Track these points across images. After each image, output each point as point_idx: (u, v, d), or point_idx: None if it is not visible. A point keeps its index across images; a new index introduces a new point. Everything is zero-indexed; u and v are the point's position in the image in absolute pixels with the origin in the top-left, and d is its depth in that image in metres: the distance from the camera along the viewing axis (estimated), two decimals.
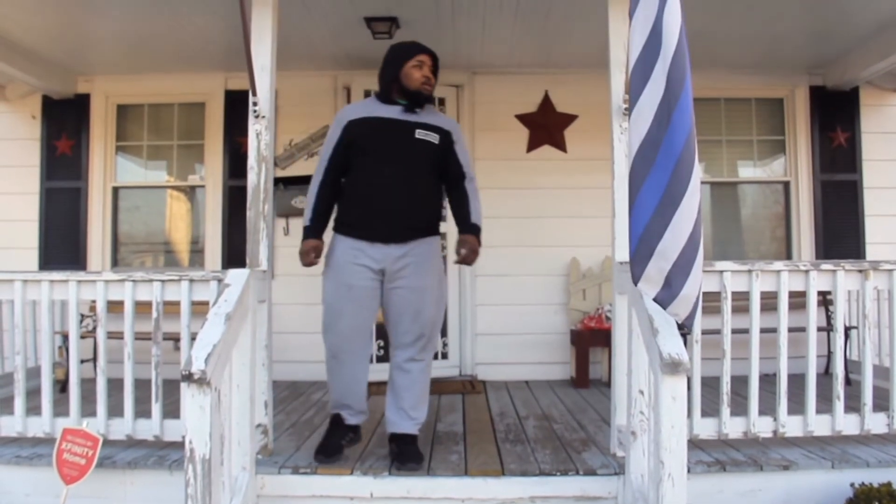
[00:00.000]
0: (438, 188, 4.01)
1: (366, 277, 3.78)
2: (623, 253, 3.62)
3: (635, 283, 2.94)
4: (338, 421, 3.95)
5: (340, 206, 3.92)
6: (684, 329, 3.19)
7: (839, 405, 3.87)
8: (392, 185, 3.78)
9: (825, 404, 3.94)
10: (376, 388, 6.11)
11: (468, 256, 3.86)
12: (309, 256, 3.84)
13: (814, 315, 3.91)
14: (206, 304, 3.56)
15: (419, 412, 3.95)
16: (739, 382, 3.92)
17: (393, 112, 3.89)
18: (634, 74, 2.81)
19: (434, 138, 3.90)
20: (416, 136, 3.85)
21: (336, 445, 3.88)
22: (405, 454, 3.78)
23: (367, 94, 6.51)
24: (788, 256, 6.89)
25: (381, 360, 6.78)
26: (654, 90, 2.75)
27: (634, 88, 2.82)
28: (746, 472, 3.69)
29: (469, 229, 3.93)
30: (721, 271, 3.83)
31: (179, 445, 3.29)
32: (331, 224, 3.97)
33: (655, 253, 2.79)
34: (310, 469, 3.69)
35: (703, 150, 6.93)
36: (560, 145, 6.80)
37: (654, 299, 2.94)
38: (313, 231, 3.89)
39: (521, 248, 6.72)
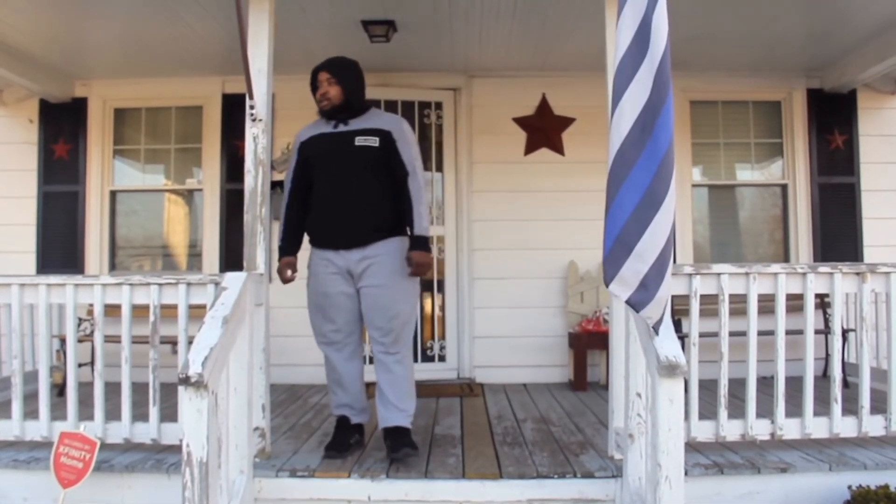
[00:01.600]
0: (391, 190, 4.07)
1: (339, 283, 4.00)
2: None
3: (607, 284, 2.89)
4: (344, 422, 4.15)
5: (308, 220, 4.14)
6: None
7: (837, 408, 3.88)
8: (341, 193, 4.00)
9: (823, 407, 3.95)
10: (373, 391, 6.11)
11: (416, 271, 3.97)
12: (285, 273, 4.12)
13: (811, 317, 3.91)
14: (203, 307, 3.56)
15: (407, 404, 4.05)
16: (737, 385, 3.92)
17: (329, 127, 4.13)
18: (619, 72, 2.78)
19: (374, 142, 4.02)
20: (356, 143, 4.01)
21: (346, 443, 4.08)
22: (398, 443, 3.89)
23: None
24: (786, 259, 6.90)
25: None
26: (639, 89, 2.72)
27: (618, 86, 2.79)
28: (744, 475, 3.68)
29: (414, 243, 3.99)
30: (718, 274, 3.84)
31: (177, 449, 3.29)
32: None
33: (632, 254, 2.76)
34: (307, 472, 3.69)
35: (700, 152, 7.00)
36: (558, 148, 6.80)
37: (628, 301, 2.89)
38: (285, 249, 4.17)
39: (518, 251, 6.72)
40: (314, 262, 4.09)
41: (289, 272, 4.12)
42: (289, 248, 4.17)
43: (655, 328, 2.99)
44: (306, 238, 4.19)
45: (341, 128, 4.08)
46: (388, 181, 4.06)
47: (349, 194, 3.98)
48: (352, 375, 4.11)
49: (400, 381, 4.03)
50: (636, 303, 2.87)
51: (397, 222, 4.06)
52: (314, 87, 4.13)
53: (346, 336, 4.07)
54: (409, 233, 4.04)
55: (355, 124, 4.07)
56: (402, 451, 3.83)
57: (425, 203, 4.05)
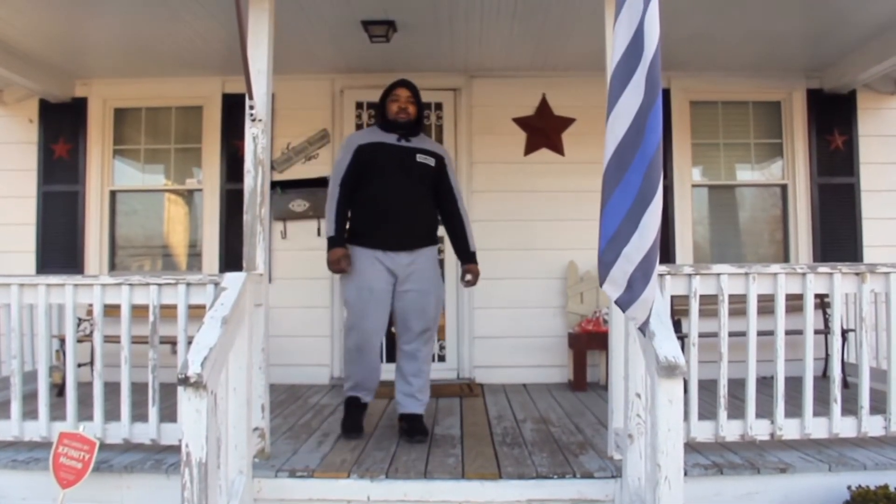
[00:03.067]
0: (435, 204, 4.64)
1: (384, 281, 4.39)
2: None
3: (601, 284, 2.92)
4: (356, 402, 4.59)
5: (356, 219, 4.49)
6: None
7: (836, 408, 3.88)
8: (401, 201, 4.42)
9: (822, 407, 3.95)
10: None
11: (473, 281, 4.67)
12: (340, 264, 4.39)
13: (811, 318, 3.91)
14: (203, 307, 3.56)
15: (425, 395, 4.60)
16: (737, 385, 3.92)
17: (392, 139, 4.54)
18: (615, 77, 2.80)
19: (431, 161, 4.56)
20: (417, 159, 4.51)
21: (360, 423, 4.58)
22: (415, 429, 4.42)
23: (359, 104, 6.90)
24: (786, 259, 6.90)
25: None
26: (634, 94, 2.74)
27: (614, 90, 2.80)
28: (744, 475, 3.68)
29: (471, 258, 4.69)
30: (718, 274, 3.84)
31: (176, 449, 3.30)
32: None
33: (622, 255, 2.78)
34: (307, 472, 3.69)
35: (700, 153, 7.00)
36: (558, 148, 6.80)
37: (616, 302, 2.92)
38: (339, 241, 4.43)
39: (518, 252, 6.72)
40: (359, 259, 4.41)
41: (344, 262, 4.38)
42: (342, 238, 4.44)
43: (642, 329, 3.01)
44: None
45: (404, 143, 4.53)
46: (435, 198, 4.62)
47: (408, 203, 4.44)
48: (377, 363, 4.52)
49: (424, 374, 4.59)
50: (623, 303, 2.90)
51: (435, 234, 4.63)
52: (389, 98, 4.57)
53: (381, 329, 4.45)
54: (437, 243, 4.66)
55: (415, 143, 4.57)
56: (417, 436, 4.36)
57: (470, 223, 4.77)
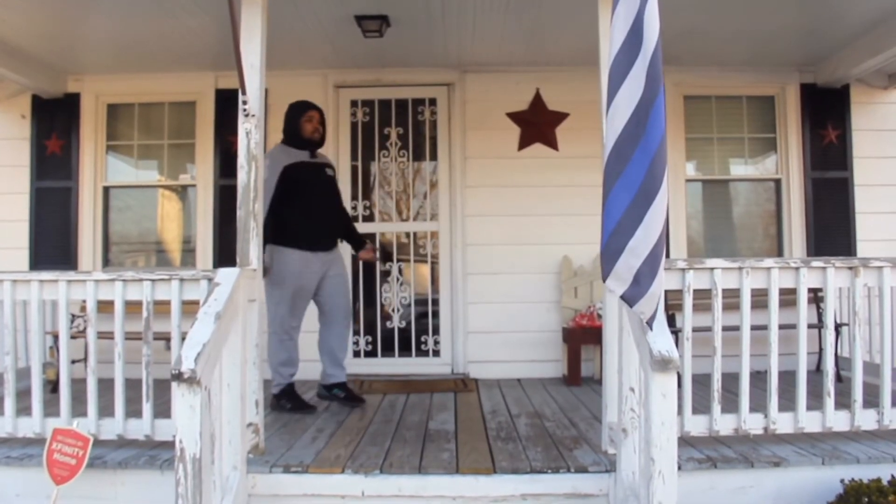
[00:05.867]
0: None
1: (314, 277, 5.13)
2: None
3: (604, 279, 2.93)
4: (294, 390, 5.19)
5: (290, 226, 5.02)
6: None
7: (830, 402, 3.89)
8: (322, 210, 5.21)
9: (816, 401, 3.96)
10: (368, 385, 6.13)
11: (371, 257, 5.77)
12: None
13: (804, 312, 3.92)
14: (196, 303, 3.56)
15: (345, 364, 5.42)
16: (731, 379, 3.93)
17: (306, 156, 5.19)
18: (614, 70, 2.80)
19: (332, 173, 5.43)
20: (327, 173, 5.34)
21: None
22: (352, 395, 5.34)
23: (353, 102, 6.98)
24: (780, 254, 6.92)
25: (368, 354, 6.84)
26: (633, 87, 2.74)
27: (613, 84, 2.81)
28: (737, 469, 3.69)
29: (363, 245, 5.56)
30: (712, 268, 3.84)
31: (170, 445, 3.29)
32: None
33: (626, 249, 2.78)
34: (301, 468, 3.69)
35: (694, 147, 7.01)
36: (552, 143, 6.80)
37: (622, 297, 2.93)
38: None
39: (512, 247, 6.73)
40: (292, 261, 5.01)
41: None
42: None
43: (649, 323, 3.01)
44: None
45: (314, 159, 5.25)
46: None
47: (327, 211, 5.28)
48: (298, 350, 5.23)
49: (347, 346, 5.44)
50: (629, 298, 2.90)
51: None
52: (303, 118, 5.18)
53: (301, 321, 5.18)
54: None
55: (320, 158, 5.33)
56: (357, 401, 5.30)
57: None
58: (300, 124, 5.17)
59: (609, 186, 2.83)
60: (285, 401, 5.11)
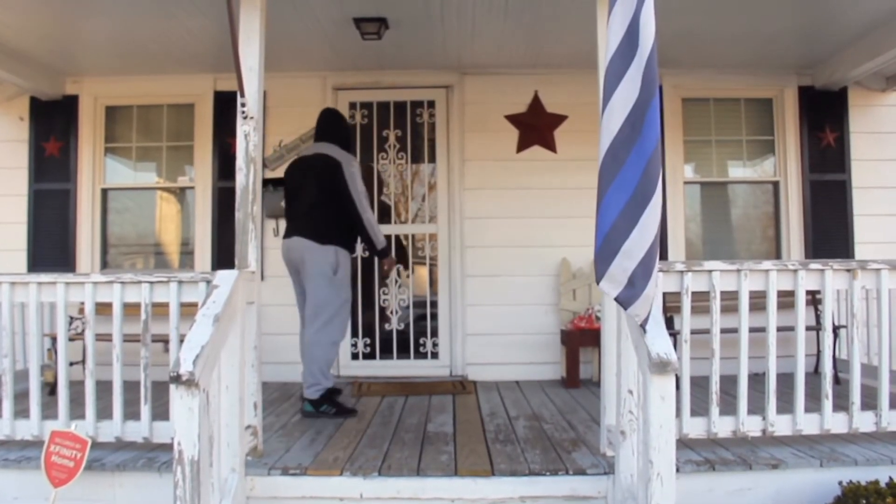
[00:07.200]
0: None
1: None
2: None
3: (598, 281, 2.93)
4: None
5: (350, 231, 5.14)
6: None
7: (828, 404, 3.89)
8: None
9: (814, 403, 3.96)
10: (366, 387, 6.12)
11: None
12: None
13: (802, 314, 3.92)
14: (195, 305, 3.54)
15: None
16: (729, 382, 3.94)
17: None
18: (609, 72, 2.81)
19: None
20: None
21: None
22: (301, 409, 5.11)
23: (352, 104, 6.95)
24: (778, 256, 6.92)
25: (367, 356, 6.85)
26: (628, 89, 2.75)
27: (608, 86, 2.81)
28: (736, 471, 3.70)
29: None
30: (710, 271, 3.84)
31: (169, 447, 3.28)
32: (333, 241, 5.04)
33: (621, 251, 2.79)
34: (300, 470, 3.69)
35: (692, 150, 7.01)
36: (550, 146, 6.81)
37: (616, 299, 2.93)
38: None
39: (511, 249, 6.73)
40: (348, 265, 5.13)
41: None
42: None
43: (643, 325, 3.01)
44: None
45: None
46: None
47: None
48: None
49: (312, 355, 5.14)
50: (624, 300, 2.90)
51: None
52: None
53: None
54: None
55: None
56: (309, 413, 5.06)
57: None
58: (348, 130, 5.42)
59: (604, 188, 2.84)
60: (328, 405, 5.02)
